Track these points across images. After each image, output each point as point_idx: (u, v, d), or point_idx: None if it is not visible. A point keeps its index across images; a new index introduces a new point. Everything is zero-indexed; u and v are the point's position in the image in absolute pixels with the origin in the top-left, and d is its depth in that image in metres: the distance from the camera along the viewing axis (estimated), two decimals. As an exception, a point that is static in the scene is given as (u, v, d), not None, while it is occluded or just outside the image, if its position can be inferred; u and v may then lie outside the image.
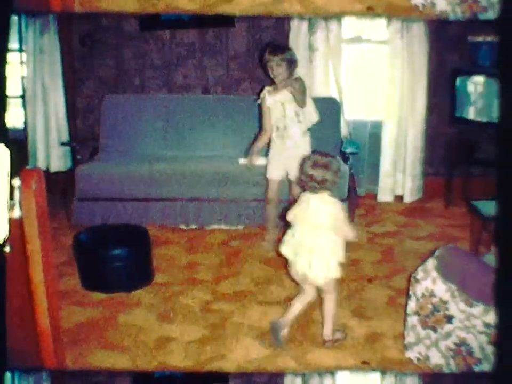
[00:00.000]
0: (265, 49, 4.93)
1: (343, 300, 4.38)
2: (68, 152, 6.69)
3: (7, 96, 2.84)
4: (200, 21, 6.40)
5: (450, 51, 6.44)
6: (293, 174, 4.84)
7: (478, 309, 3.27)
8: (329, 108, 6.20)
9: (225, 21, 6.43)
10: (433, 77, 6.48)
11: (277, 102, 4.93)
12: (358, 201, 6.13)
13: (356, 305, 4.33)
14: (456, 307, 3.34)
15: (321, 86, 6.40)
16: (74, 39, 6.59)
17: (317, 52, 6.30)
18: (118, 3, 4.16)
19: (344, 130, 6.40)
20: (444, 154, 6.61)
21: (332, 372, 3.66)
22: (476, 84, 5.99)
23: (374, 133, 6.72)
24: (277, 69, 4.80)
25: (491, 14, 3.98)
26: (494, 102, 5.80)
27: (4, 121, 2.80)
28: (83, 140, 6.59)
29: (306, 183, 3.64)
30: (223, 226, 5.79)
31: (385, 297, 4.43)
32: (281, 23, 6.43)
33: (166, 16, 6.29)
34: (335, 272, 3.68)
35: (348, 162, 5.69)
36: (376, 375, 3.67)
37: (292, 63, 4.85)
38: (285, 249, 3.81)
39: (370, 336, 3.95)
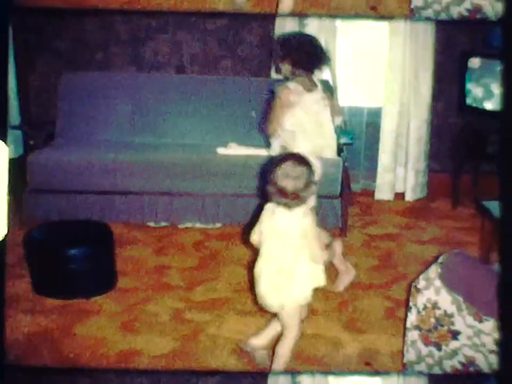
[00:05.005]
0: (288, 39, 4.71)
1: (333, 311, 4.41)
2: (19, 137, 6.65)
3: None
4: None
5: (460, 30, 6.45)
6: None
7: (488, 325, 3.27)
8: (322, 92, 6.23)
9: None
10: (440, 59, 6.51)
11: (311, 105, 4.68)
12: (352, 199, 6.15)
13: (348, 318, 4.34)
14: (463, 321, 3.35)
15: (312, 67, 6.40)
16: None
17: (307, 27, 6.29)
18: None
19: (337, 118, 6.40)
20: (451, 148, 6.64)
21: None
22: (489, 68, 6.01)
23: (372, 121, 6.75)
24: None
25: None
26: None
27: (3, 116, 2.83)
28: (37, 123, 6.56)
29: (273, 193, 3.44)
30: (197, 224, 5.79)
31: (382, 308, 4.44)
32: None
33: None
34: (299, 300, 3.57)
35: (342, 155, 5.69)
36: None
37: None
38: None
39: (364, 352, 3.96)
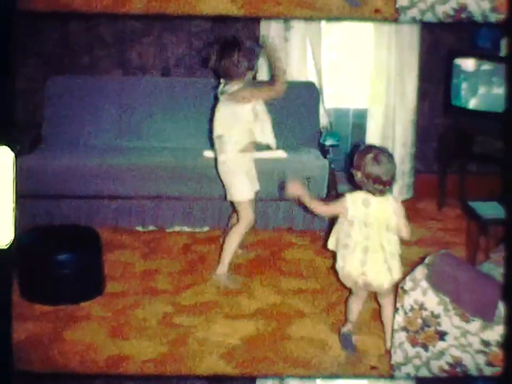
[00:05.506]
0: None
1: (320, 313, 4.44)
2: (5, 141, 6.63)
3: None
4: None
5: (446, 30, 6.46)
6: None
7: (474, 325, 3.31)
8: (306, 94, 6.23)
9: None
10: (425, 60, 6.51)
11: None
12: (339, 201, 6.16)
13: (335, 319, 4.35)
14: (450, 322, 3.38)
15: (297, 69, 6.40)
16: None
17: (293, 29, 6.30)
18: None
19: (323, 120, 6.41)
20: (437, 149, 6.64)
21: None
22: (475, 68, 6.01)
23: (358, 123, 6.75)
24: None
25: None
26: (496, 89, 5.84)
27: (10, 121, 2.85)
28: (23, 127, 6.51)
29: (368, 184, 3.67)
30: (185, 228, 5.80)
31: (369, 310, 4.41)
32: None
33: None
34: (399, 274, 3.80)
35: (328, 156, 5.72)
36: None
37: None
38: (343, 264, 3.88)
39: (352, 354, 3.99)
